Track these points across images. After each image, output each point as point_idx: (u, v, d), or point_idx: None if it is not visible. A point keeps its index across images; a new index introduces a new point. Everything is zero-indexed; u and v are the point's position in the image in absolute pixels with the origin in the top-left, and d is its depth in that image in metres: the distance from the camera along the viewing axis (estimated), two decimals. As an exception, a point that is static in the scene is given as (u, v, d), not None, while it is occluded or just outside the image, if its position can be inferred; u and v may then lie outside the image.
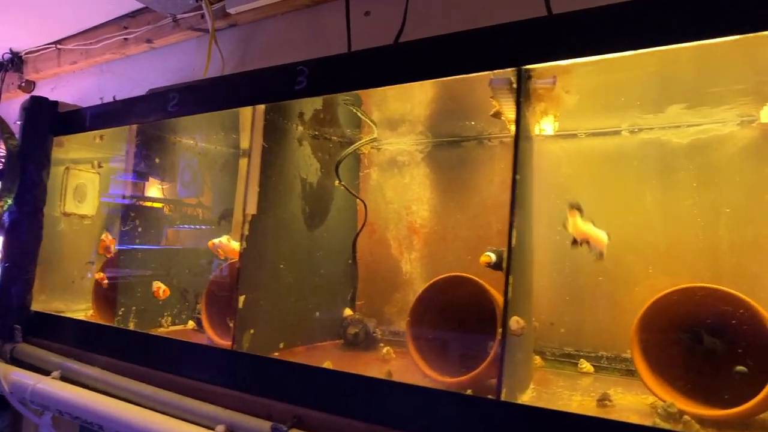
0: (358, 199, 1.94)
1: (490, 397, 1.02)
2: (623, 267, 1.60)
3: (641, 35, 0.98)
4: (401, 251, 1.97)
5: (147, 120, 1.95)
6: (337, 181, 1.80)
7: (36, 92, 3.53)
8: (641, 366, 1.22)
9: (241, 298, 1.49)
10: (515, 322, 1.01)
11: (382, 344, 1.77)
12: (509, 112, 1.23)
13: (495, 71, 1.13)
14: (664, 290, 1.24)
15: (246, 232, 1.52)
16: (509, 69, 1.09)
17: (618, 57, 1.10)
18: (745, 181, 1.45)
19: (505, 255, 1.11)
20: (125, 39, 2.81)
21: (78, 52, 3.08)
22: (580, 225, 1.37)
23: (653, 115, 1.56)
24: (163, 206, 2.12)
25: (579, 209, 1.39)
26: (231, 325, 1.51)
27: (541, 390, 1.34)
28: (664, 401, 1.15)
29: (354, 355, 1.68)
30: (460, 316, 1.39)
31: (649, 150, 1.61)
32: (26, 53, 3.38)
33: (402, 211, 1.99)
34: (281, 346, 1.64)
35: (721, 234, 1.48)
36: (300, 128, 1.76)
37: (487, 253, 1.38)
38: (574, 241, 1.37)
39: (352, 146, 1.81)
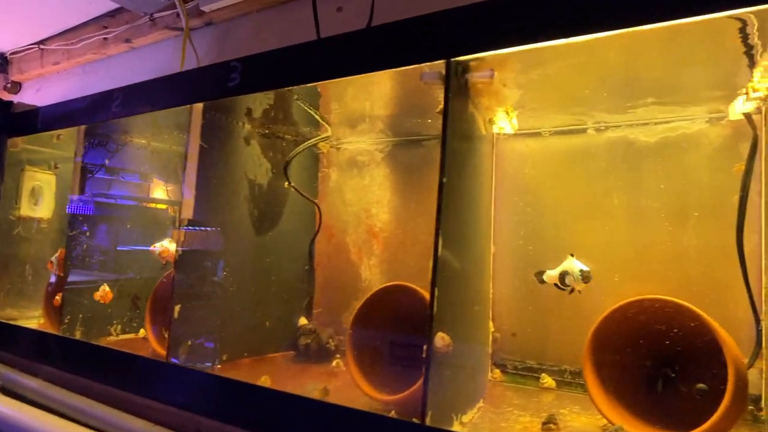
0: (314, 204, 1.86)
1: (414, 420, 0.94)
2: (588, 274, 1.51)
3: (578, 22, 0.90)
4: (360, 256, 1.90)
5: (97, 120, 1.89)
6: (286, 183, 1.73)
7: (22, 93, 3.50)
8: (593, 385, 1.14)
9: (177, 308, 1.42)
10: (440, 338, 0.93)
11: (338, 356, 1.69)
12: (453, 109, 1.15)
13: (429, 64, 1.04)
14: (621, 301, 1.16)
15: (182, 238, 1.45)
16: (440, 62, 1.00)
17: (576, 48, 1.02)
18: (714, 182, 1.36)
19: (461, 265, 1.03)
20: (105, 39, 2.78)
21: (60, 52, 3.05)
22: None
23: (617, 112, 1.47)
24: (115, 206, 2.06)
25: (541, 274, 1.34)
26: (166, 335, 1.44)
27: (489, 409, 1.26)
28: (612, 424, 1.07)
29: (302, 368, 1.61)
30: (404, 327, 1.32)
31: (615, 149, 1.52)
32: (11, 54, 3.35)
33: (361, 214, 1.91)
34: (224, 358, 1.56)
35: (689, 239, 1.39)
36: (247, 126, 1.69)
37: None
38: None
39: (301, 145, 1.74)
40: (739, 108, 1.23)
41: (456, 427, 1.06)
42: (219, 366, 1.54)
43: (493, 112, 1.30)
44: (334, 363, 1.60)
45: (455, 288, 1.05)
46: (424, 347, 0.94)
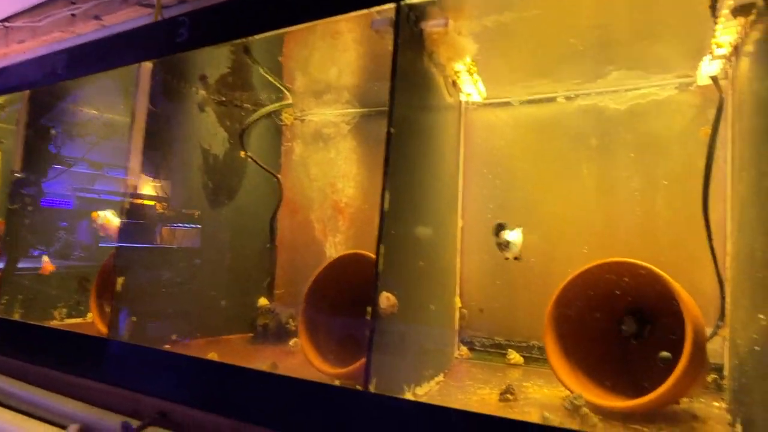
0: (273, 176, 1.82)
1: (358, 388, 0.92)
2: (557, 247, 1.51)
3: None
4: (325, 233, 1.86)
5: (41, 84, 1.82)
6: (243, 152, 1.68)
7: (-12, 74, 3.38)
8: (554, 354, 1.12)
9: (120, 280, 1.37)
10: (385, 298, 0.90)
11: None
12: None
13: (377, 9, 1.02)
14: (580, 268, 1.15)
15: (126, 206, 1.40)
16: (389, 6, 0.98)
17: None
18: (683, 150, 1.36)
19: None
20: (73, 15, 2.67)
21: (26, 29, 2.93)
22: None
23: (591, 82, 1.47)
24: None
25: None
26: (107, 311, 1.39)
27: (450, 383, 1.24)
28: (572, 392, 1.06)
29: (258, 349, 1.57)
30: (360, 299, 1.29)
31: (586, 117, 1.51)
32: (-27, 32, 3.22)
33: (327, 189, 1.87)
34: (174, 337, 1.52)
35: (659, 209, 1.39)
36: (201, 92, 1.64)
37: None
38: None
39: (260, 110, 1.69)
40: (705, 70, 1.23)
41: (408, 396, 1.03)
42: (168, 346, 1.50)
43: (452, 66, 1.27)
44: (291, 342, 1.57)
45: (405, 247, 1.03)
46: (368, 309, 0.92)
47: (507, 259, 1.21)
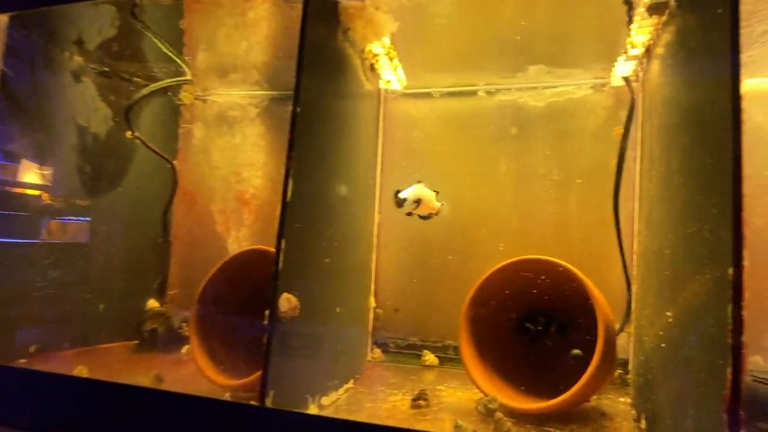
0: (166, 161, 1.63)
1: (252, 403, 0.81)
2: (474, 244, 1.50)
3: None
4: (228, 227, 1.71)
5: None
6: (129, 132, 1.48)
7: None
8: (468, 356, 1.10)
9: (-44, 283, 1.13)
10: (286, 301, 0.81)
11: (196, 343, 1.49)
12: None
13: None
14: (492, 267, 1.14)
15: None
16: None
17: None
18: (596, 149, 1.41)
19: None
20: None
21: None
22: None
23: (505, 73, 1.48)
24: None
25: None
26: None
27: (360, 389, 1.17)
28: (486, 395, 1.03)
29: (142, 359, 1.39)
30: (262, 299, 1.17)
31: (505, 113, 1.52)
32: None
33: (230, 179, 1.72)
34: (32, 350, 1.29)
35: (572, 207, 1.44)
36: (77, 59, 1.42)
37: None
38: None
39: (148, 87, 1.51)
40: (619, 71, 1.27)
41: (312, 409, 0.95)
42: (24, 361, 1.27)
43: (369, 47, 1.20)
44: (184, 350, 1.41)
45: (310, 242, 0.94)
46: (266, 312, 0.82)
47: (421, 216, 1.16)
